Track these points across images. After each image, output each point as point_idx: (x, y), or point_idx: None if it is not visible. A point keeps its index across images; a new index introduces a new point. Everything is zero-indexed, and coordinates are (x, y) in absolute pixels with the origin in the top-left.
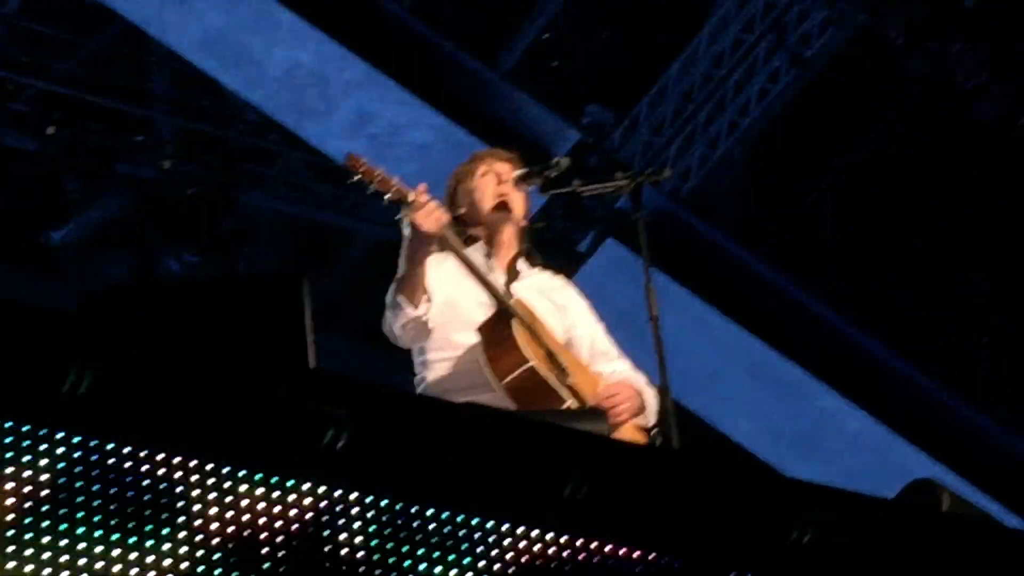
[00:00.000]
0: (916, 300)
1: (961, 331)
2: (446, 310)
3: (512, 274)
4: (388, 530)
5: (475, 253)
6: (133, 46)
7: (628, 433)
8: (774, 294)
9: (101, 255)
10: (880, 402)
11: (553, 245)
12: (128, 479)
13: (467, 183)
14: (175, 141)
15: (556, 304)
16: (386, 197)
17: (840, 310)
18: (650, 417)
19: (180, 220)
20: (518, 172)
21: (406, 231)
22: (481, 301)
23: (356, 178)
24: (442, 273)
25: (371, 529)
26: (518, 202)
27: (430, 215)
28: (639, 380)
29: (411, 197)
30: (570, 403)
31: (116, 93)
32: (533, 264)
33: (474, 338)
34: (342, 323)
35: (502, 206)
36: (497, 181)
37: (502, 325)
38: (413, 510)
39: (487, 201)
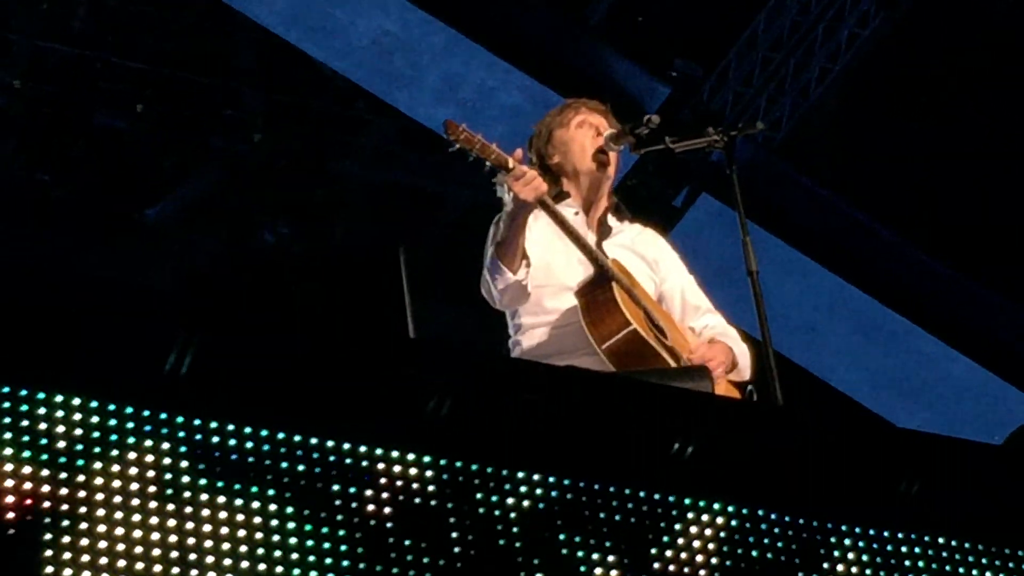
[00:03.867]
0: (1017, 243)
1: None
2: (540, 274)
3: (603, 231)
4: (495, 497)
5: (567, 211)
6: (218, 20)
7: (721, 389)
8: (872, 242)
9: (196, 230)
10: (984, 347)
11: (648, 201)
12: (233, 457)
13: (562, 132)
14: (264, 113)
15: (647, 259)
16: (486, 164)
17: (938, 255)
18: (744, 372)
19: (273, 192)
20: (609, 132)
21: (505, 196)
22: (575, 263)
23: (456, 147)
24: (535, 234)
25: (478, 496)
26: (614, 158)
27: (529, 183)
28: (731, 334)
29: (510, 164)
30: (670, 363)
31: (203, 68)
32: (621, 218)
33: (568, 302)
34: (437, 288)
35: (600, 162)
36: (594, 134)
37: (602, 288)
38: (519, 475)
39: (585, 155)
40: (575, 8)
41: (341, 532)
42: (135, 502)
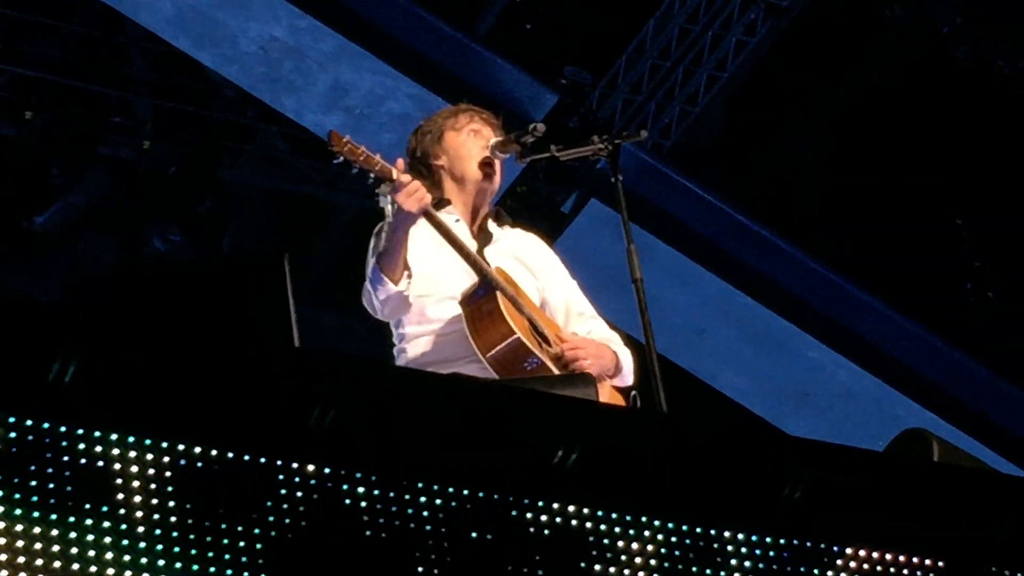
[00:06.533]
0: (900, 247)
1: (947, 277)
2: (423, 282)
3: (484, 237)
4: (378, 506)
5: (448, 218)
6: (108, 28)
7: (605, 395)
8: (758, 247)
9: (85, 238)
10: (869, 352)
11: (537, 207)
12: (116, 467)
13: (453, 136)
14: (154, 121)
15: (530, 265)
16: (370, 175)
17: (825, 261)
18: (627, 377)
19: (163, 199)
20: (495, 140)
21: (387, 206)
22: (458, 271)
23: (340, 159)
24: (418, 242)
25: (362, 505)
26: (498, 167)
27: (412, 195)
28: (615, 339)
29: (394, 175)
30: (554, 371)
31: (93, 75)
32: (502, 224)
33: (452, 311)
34: (326, 295)
35: (487, 173)
36: (484, 144)
37: (486, 298)
38: (403, 484)
39: (473, 163)
40: (464, 16)
41: (225, 541)
42: (18, 512)
